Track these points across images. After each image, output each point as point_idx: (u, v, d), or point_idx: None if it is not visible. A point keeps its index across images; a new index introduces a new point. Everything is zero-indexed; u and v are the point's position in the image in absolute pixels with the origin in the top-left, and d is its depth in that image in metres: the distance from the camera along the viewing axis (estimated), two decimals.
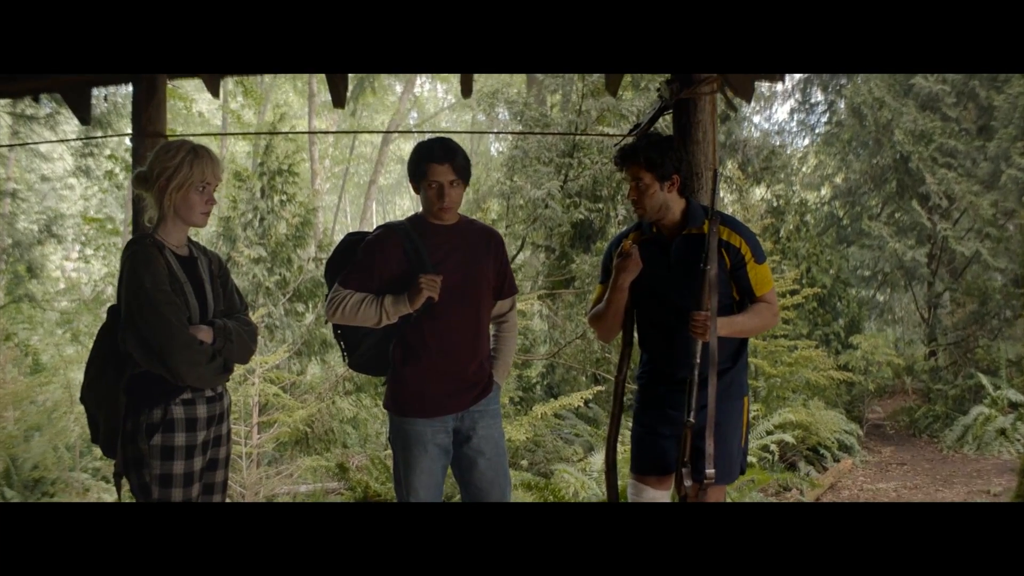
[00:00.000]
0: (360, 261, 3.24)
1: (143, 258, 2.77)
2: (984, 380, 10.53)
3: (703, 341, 3.02)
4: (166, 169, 2.83)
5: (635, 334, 3.47)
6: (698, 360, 3.03)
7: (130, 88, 4.33)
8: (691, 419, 3.03)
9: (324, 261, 3.49)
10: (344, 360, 3.49)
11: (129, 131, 4.29)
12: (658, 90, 3.88)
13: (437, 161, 3.15)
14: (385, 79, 22.15)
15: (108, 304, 2.91)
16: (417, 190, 3.25)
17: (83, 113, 4.62)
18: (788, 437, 7.59)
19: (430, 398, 3.23)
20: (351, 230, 3.41)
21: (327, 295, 3.26)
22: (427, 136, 3.41)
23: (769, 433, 7.61)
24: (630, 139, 3.39)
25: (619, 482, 3.58)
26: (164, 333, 2.69)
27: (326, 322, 3.15)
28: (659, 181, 3.16)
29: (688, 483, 3.05)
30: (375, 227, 3.37)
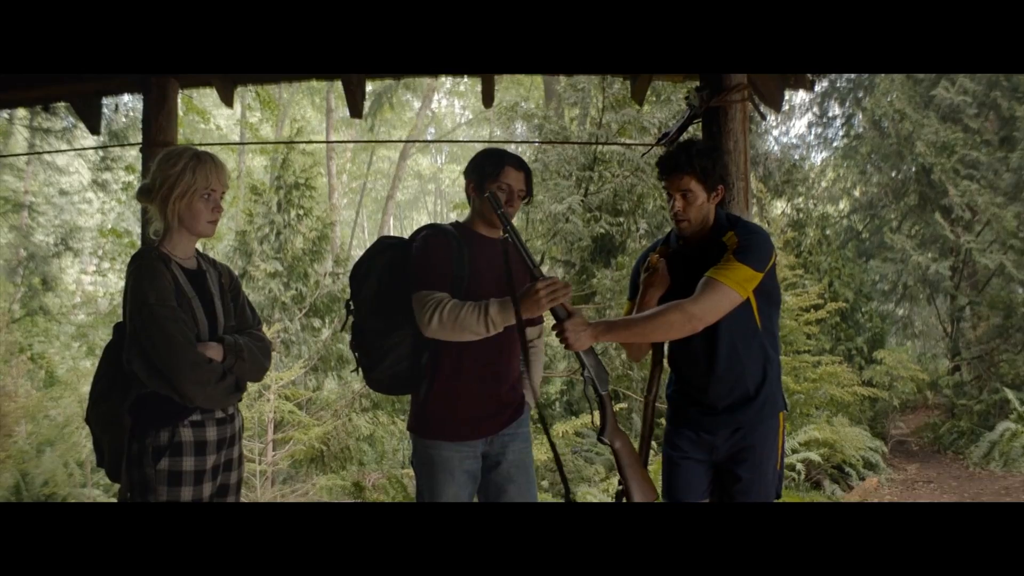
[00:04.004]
0: (432, 262, 2.97)
1: (147, 272, 2.61)
2: (1010, 394, 10.36)
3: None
4: (168, 177, 2.67)
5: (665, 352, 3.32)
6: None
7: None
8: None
9: (341, 276, 3.31)
10: (360, 376, 3.29)
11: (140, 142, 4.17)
12: (687, 98, 3.74)
13: (515, 167, 3.02)
14: (403, 94, 22.16)
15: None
16: (475, 191, 3.05)
17: (93, 123, 4.54)
18: (814, 456, 7.43)
19: (461, 420, 3.02)
20: (368, 245, 3.21)
21: (346, 301, 3.06)
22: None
23: (795, 451, 7.45)
24: (659, 149, 3.23)
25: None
26: (169, 351, 2.54)
27: (428, 335, 2.89)
28: (707, 191, 2.98)
29: None
30: (418, 228, 3.15)
